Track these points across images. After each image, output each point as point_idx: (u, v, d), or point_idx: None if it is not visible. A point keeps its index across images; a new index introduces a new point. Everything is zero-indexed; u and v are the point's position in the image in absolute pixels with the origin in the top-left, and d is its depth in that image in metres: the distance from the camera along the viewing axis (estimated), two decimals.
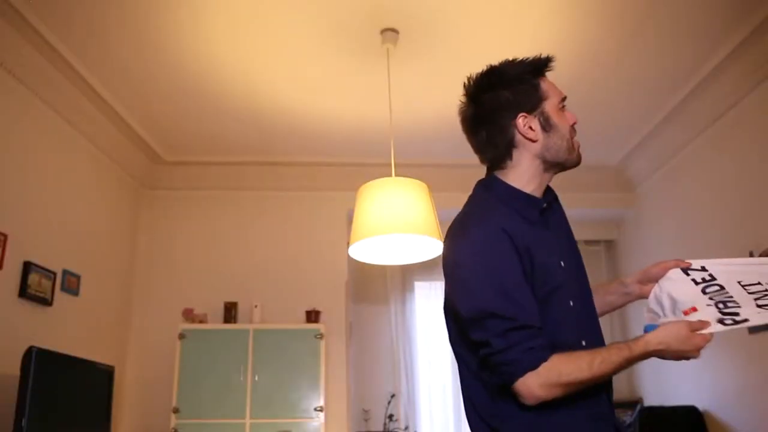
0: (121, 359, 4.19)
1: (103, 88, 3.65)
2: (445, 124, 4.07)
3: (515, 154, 1.36)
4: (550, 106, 1.35)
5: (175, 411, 3.88)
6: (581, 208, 4.86)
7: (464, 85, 1.41)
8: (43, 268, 3.29)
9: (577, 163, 1.39)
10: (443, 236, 1.43)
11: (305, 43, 3.24)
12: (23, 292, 3.12)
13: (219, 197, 4.70)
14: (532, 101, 1.35)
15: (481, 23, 3.12)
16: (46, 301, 3.31)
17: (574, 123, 1.38)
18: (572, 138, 1.37)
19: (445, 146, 4.29)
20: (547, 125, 1.34)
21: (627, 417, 4.33)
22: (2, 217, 3.02)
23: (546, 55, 1.40)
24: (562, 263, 1.33)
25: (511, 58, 1.40)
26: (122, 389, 4.16)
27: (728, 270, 1.39)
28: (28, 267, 3.16)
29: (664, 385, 4.33)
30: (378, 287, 5.09)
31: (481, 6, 2.99)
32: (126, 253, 4.39)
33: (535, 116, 1.34)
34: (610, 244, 5.29)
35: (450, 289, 1.32)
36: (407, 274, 5.10)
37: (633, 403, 4.52)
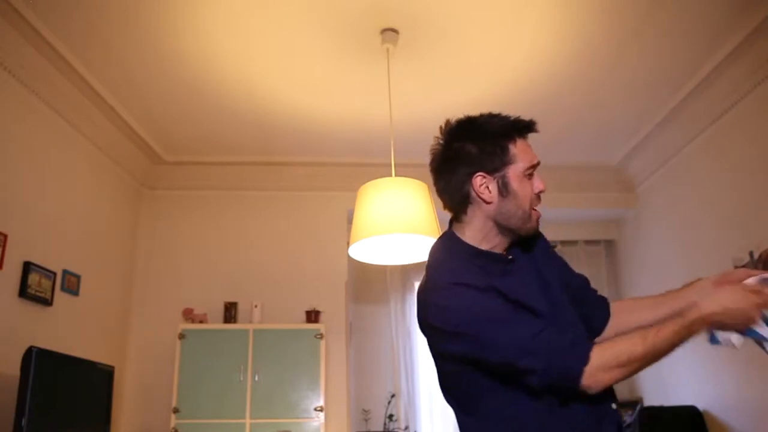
0: (121, 359, 4.19)
1: (103, 88, 3.65)
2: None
3: (469, 210, 1.36)
4: (514, 171, 1.32)
5: (175, 411, 3.88)
6: (581, 208, 4.87)
7: (440, 128, 1.39)
8: (43, 268, 3.29)
9: (530, 232, 1.36)
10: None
11: (305, 43, 3.25)
12: (23, 292, 3.12)
13: (219, 197, 4.70)
14: (495, 163, 1.32)
15: (481, 23, 3.12)
16: (46, 301, 3.31)
17: (541, 191, 1.35)
18: (532, 207, 1.34)
19: None
20: (504, 190, 1.32)
21: (627, 417, 4.33)
22: (2, 217, 3.02)
23: (529, 119, 1.36)
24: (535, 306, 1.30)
25: (494, 113, 1.38)
26: (122, 389, 4.16)
27: None
28: (28, 267, 3.16)
29: (664, 385, 4.32)
30: (378, 287, 5.09)
31: (481, 6, 2.99)
32: (126, 253, 4.39)
33: (494, 178, 1.32)
34: (610, 244, 5.29)
35: (460, 349, 1.28)
36: (407, 274, 5.10)
37: (633, 403, 4.51)
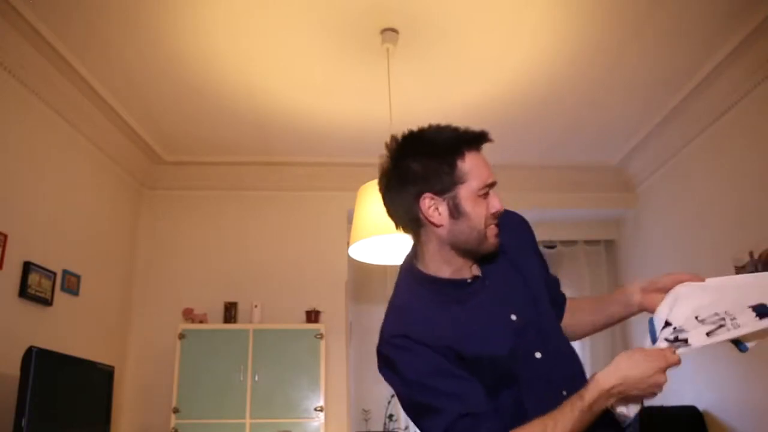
0: (121, 359, 4.19)
1: (103, 88, 3.65)
2: (444, 124, 4.07)
3: (422, 234, 1.26)
4: (466, 191, 1.20)
5: (175, 411, 3.88)
6: (581, 208, 4.87)
7: (385, 144, 1.27)
8: (43, 268, 3.29)
9: (489, 250, 1.24)
10: None
11: (305, 43, 3.25)
12: (23, 292, 3.12)
13: (219, 197, 4.70)
14: (444, 183, 1.20)
15: (480, 23, 3.12)
16: (46, 301, 3.31)
17: (497, 212, 1.22)
18: (487, 226, 1.21)
19: None
20: (455, 212, 1.20)
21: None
22: (2, 217, 3.02)
23: (480, 130, 1.23)
24: (514, 317, 1.23)
25: (443, 125, 1.25)
26: (122, 389, 4.16)
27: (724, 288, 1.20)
28: (28, 267, 3.16)
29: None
30: (378, 287, 5.09)
31: (481, 6, 2.99)
32: (126, 253, 4.39)
33: (444, 199, 1.20)
34: (610, 244, 5.29)
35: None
36: None
37: None
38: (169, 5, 2.93)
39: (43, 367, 2.79)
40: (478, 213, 1.20)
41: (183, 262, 4.54)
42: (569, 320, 1.43)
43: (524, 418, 1.13)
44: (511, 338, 1.21)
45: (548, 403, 1.13)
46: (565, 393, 1.17)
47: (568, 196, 4.77)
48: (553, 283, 1.45)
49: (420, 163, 1.21)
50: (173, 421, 3.86)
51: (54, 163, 3.51)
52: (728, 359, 3.62)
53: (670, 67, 3.53)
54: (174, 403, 3.90)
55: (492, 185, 1.23)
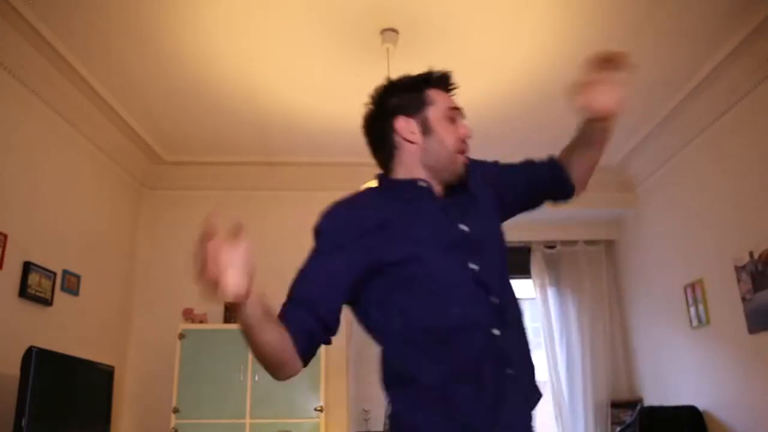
0: (121, 359, 4.19)
1: (103, 88, 3.65)
2: None
3: (397, 155, 1.39)
4: (434, 112, 1.36)
5: (175, 411, 3.88)
6: (581, 208, 4.86)
7: (369, 96, 1.49)
8: (43, 268, 3.29)
9: (458, 175, 1.35)
10: None
11: (305, 43, 3.25)
12: (23, 292, 3.12)
13: (219, 197, 4.70)
14: (415, 105, 1.37)
15: (480, 23, 3.12)
16: (46, 301, 3.31)
17: (465, 136, 1.36)
18: (457, 151, 1.34)
19: None
20: (426, 129, 1.35)
21: (627, 417, 4.33)
22: (2, 217, 3.02)
23: (444, 72, 1.41)
24: (464, 227, 1.29)
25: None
26: (122, 389, 4.16)
27: None
28: (28, 267, 3.16)
29: (664, 385, 4.32)
30: None
31: (481, 6, 2.99)
32: (126, 253, 4.39)
33: (415, 119, 1.36)
34: (610, 244, 5.29)
35: None
36: None
37: (633, 403, 4.51)
38: (169, 5, 2.93)
39: (43, 367, 2.79)
40: (445, 132, 1.35)
41: (183, 262, 4.52)
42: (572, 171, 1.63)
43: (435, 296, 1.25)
44: (451, 241, 1.28)
45: (471, 307, 1.22)
46: (496, 300, 1.25)
47: None
48: (530, 166, 1.59)
49: (395, 97, 1.41)
50: (173, 421, 3.86)
51: (54, 163, 3.51)
52: (728, 359, 3.62)
53: (670, 67, 3.53)
54: (174, 403, 3.90)
55: (457, 110, 1.38)
